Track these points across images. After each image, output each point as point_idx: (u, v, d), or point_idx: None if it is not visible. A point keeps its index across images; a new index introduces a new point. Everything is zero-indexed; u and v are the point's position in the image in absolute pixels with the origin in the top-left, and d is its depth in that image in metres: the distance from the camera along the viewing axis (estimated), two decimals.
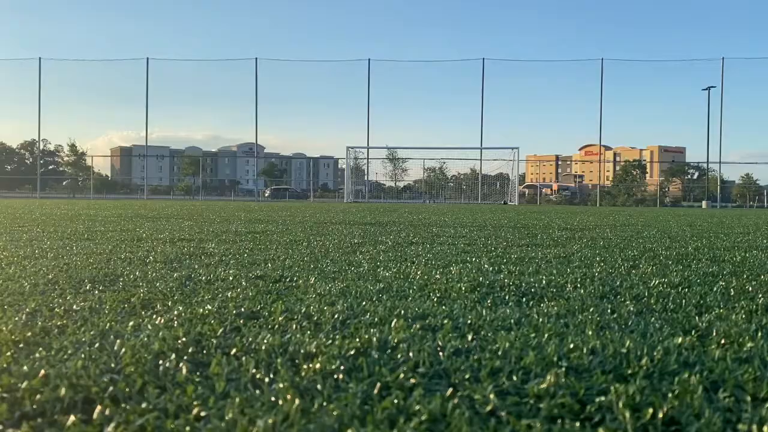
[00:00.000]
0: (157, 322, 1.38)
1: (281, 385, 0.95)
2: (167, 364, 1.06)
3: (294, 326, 1.36)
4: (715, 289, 1.99)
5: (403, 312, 1.52)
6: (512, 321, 1.44)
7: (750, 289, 1.99)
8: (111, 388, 0.94)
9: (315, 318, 1.45)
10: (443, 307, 1.59)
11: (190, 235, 4.06)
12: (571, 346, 1.20)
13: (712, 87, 32.27)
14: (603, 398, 0.92)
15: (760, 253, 3.35)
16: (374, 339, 1.23)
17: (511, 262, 2.67)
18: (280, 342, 1.21)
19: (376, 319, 1.44)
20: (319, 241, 3.64)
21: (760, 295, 1.85)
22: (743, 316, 1.55)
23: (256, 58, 31.81)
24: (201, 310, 1.52)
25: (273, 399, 0.90)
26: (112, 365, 1.06)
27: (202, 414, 0.85)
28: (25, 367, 1.02)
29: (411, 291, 1.86)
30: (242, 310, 1.53)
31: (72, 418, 0.83)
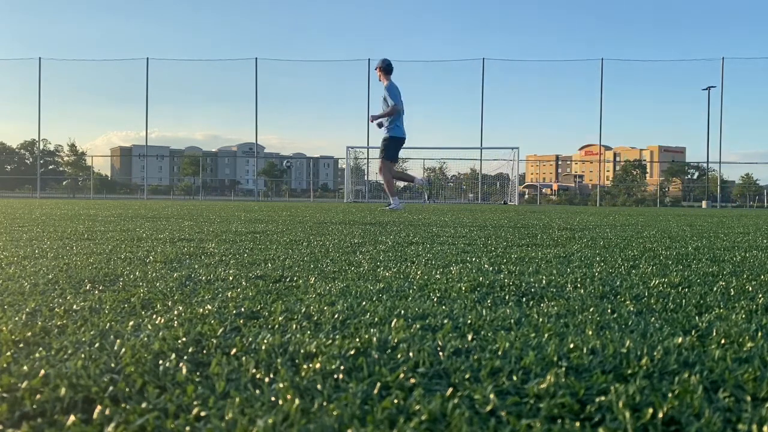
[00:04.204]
0: (157, 322, 1.38)
1: (281, 385, 0.95)
2: (167, 364, 1.06)
3: (294, 326, 1.36)
4: (715, 289, 1.98)
5: (403, 312, 1.52)
6: (512, 321, 1.44)
7: (750, 289, 1.99)
8: (111, 388, 0.94)
9: (315, 318, 1.45)
10: (443, 307, 1.59)
11: (190, 235, 4.06)
12: (571, 346, 1.20)
13: (712, 87, 32.28)
14: (603, 398, 0.92)
15: (760, 253, 3.35)
16: (374, 339, 1.23)
17: (511, 262, 2.67)
18: (280, 342, 1.21)
19: (376, 319, 1.44)
20: (319, 241, 3.64)
21: (760, 295, 1.85)
22: (743, 316, 1.55)
23: (256, 58, 31.85)
24: (201, 310, 1.52)
25: (273, 399, 0.90)
26: (112, 365, 1.06)
27: (202, 414, 0.85)
28: (25, 367, 1.02)
29: (411, 291, 1.86)
30: (242, 310, 1.53)
31: (72, 418, 0.83)
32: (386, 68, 8.88)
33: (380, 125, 8.87)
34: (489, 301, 1.70)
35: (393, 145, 8.86)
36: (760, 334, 1.33)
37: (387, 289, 1.89)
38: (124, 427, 0.81)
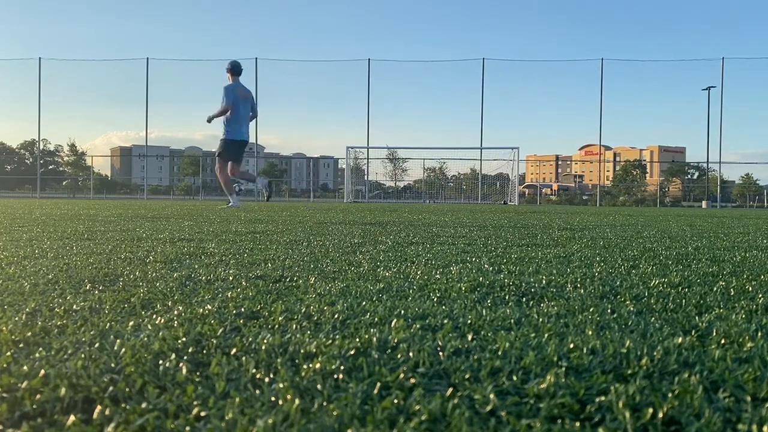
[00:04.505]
0: (157, 322, 1.38)
1: (281, 385, 0.95)
2: (167, 364, 1.06)
3: (294, 326, 1.36)
4: (715, 289, 1.98)
5: (403, 312, 1.52)
6: (512, 321, 1.44)
7: (750, 289, 1.99)
8: (111, 388, 0.94)
9: (315, 318, 1.45)
10: (443, 307, 1.59)
11: (190, 235, 4.06)
12: (571, 346, 1.20)
13: (712, 87, 32.28)
14: (603, 398, 0.92)
15: (760, 253, 3.35)
16: (374, 339, 1.23)
17: (511, 262, 2.67)
18: (280, 342, 1.21)
19: (376, 319, 1.44)
20: (319, 241, 3.64)
21: (760, 295, 1.85)
22: (743, 316, 1.55)
23: (256, 58, 31.84)
24: (201, 310, 1.52)
25: (273, 399, 0.90)
26: (112, 365, 1.06)
27: (202, 414, 0.85)
28: (25, 367, 1.02)
29: (411, 291, 1.86)
30: (242, 310, 1.53)
31: (72, 418, 0.83)
32: (231, 69, 9.25)
33: (209, 120, 9.22)
34: (489, 301, 1.70)
35: (225, 147, 9.16)
36: (760, 334, 1.33)
37: (387, 289, 1.88)
38: (124, 427, 0.81)
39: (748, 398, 0.93)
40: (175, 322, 1.39)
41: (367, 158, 36.78)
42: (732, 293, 1.90)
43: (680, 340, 1.26)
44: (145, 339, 1.22)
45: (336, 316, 1.47)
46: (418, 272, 2.29)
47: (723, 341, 1.27)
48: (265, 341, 1.20)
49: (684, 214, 11.83)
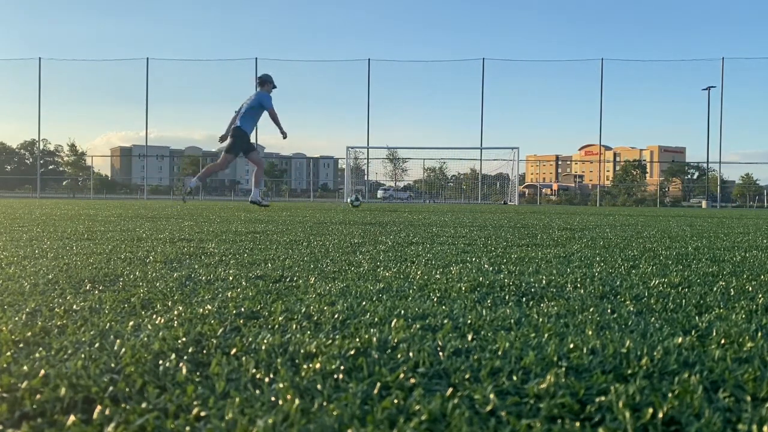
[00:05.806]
0: (157, 322, 1.38)
1: (281, 385, 0.95)
2: (167, 364, 1.06)
3: (294, 326, 1.36)
4: (715, 289, 1.98)
5: (403, 312, 1.52)
6: (512, 321, 1.44)
7: (750, 289, 1.99)
8: (111, 388, 0.94)
9: (315, 318, 1.45)
10: (443, 307, 1.59)
11: (190, 235, 4.06)
12: (571, 346, 1.20)
13: (712, 87, 32.27)
14: (603, 398, 0.92)
15: (760, 253, 3.35)
16: (374, 339, 1.23)
17: (511, 262, 2.67)
18: (280, 342, 1.21)
19: (376, 319, 1.44)
20: (319, 241, 3.64)
21: (760, 295, 1.85)
22: (743, 316, 1.55)
23: (256, 58, 31.81)
24: (201, 310, 1.52)
25: (273, 399, 0.91)
26: (112, 365, 1.06)
27: (202, 414, 0.85)
28: (25, 367, 1.02)
29: (411, 291, 1.86)
30: (242, 310, 1.53)
31: (72, 418, 0.83)
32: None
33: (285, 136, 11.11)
34: (489, 301, 1.70)
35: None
36: (760, 334, 1.33)
37: (387, 289, 1.88)
38: (124, 427, 0.81)
39: (748, 398, 0.93)
40: (175, 322, 1.39)
41: (367, 158, 36.80)
42: (732, 293, 1.90)
43: (680, 340, 1.26)
44: (145, 339, 1.22)
45: (336, 316, 1.47)
46: (418, 272, 2.29)
47: (723, 341, 1.27)
48: (265, 341, 1.20)
49: (684, 214, 11.84)
